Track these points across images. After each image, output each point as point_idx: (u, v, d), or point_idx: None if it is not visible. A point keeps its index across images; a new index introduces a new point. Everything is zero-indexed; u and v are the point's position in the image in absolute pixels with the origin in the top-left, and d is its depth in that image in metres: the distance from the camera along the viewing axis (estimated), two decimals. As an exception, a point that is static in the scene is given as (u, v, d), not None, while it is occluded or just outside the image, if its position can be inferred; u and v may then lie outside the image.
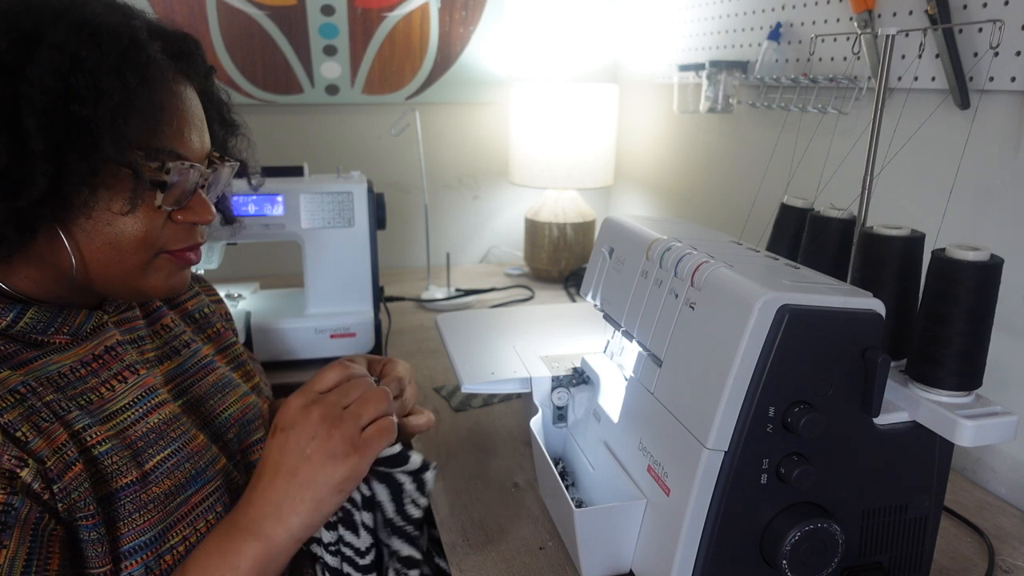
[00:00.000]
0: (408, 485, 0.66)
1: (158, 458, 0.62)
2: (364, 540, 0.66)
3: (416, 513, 0.67)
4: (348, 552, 0.66)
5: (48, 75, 0.52)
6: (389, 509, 0.66)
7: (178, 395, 0.70)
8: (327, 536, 0.66)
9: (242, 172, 0.79)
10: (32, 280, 0.60)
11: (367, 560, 0.67)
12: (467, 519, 0.81)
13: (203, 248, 1.20)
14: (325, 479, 0.59)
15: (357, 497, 0.65)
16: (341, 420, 0.60)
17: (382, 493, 0.66)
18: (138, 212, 0.59)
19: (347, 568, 0.67)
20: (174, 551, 0.60)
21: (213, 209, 0.65)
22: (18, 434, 0.53)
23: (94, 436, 0.58)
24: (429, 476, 0.67)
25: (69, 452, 0.55)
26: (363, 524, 0.66)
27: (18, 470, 0.51)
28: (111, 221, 0.58)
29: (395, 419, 0.64)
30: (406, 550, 0.67)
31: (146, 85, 0.56)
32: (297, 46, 1.65)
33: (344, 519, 0.66)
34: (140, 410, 0.63)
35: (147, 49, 0.57)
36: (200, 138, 0.64)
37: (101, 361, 0.63)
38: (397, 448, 0.65)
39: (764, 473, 0.57)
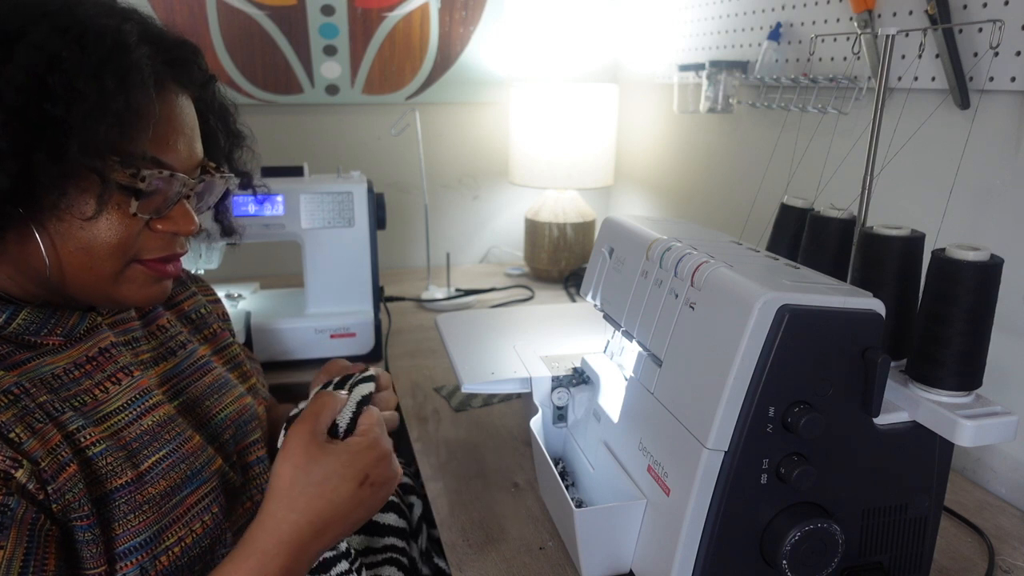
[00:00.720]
0: None
1: (153, 459, 0.61)
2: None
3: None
4: None
5: (22, 73, 0.51)
6: None
7: (174, 396, 0.70)
8: None
9: (246, 184, 0.78)
10: (12, 281, 0.60)
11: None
12: (467, 519, 0.81)
13: (203, 248, 1.22)
14: (353, 527, 0.64)
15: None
16: (388, 496, 0.66)
17: None
18: (112, 218, 0.58)
19: None
20: (169, 552, 0.60)
21: (196, 220, 0.64)
22: (12, 435, 0.52)
23: (88, 437, 0.57)
24: None
25: (63, 453, 0.55)
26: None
27: (12, 471, 0.51)
28: (83, 225, 0.57)
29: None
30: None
31: (124, 89, 0.55)
32: (297, 46, 1.65)
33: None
34: (134, 412, 0.62)
35: (132, 53, 0.56)
36: (189, 147, 0.63)
37: (95, 363, 0.63)
38: None
39: (764, 473, 0.57)
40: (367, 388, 0.71)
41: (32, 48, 0.52)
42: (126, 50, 0.56)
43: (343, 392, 0.70)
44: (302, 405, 0.73)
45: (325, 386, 0.74)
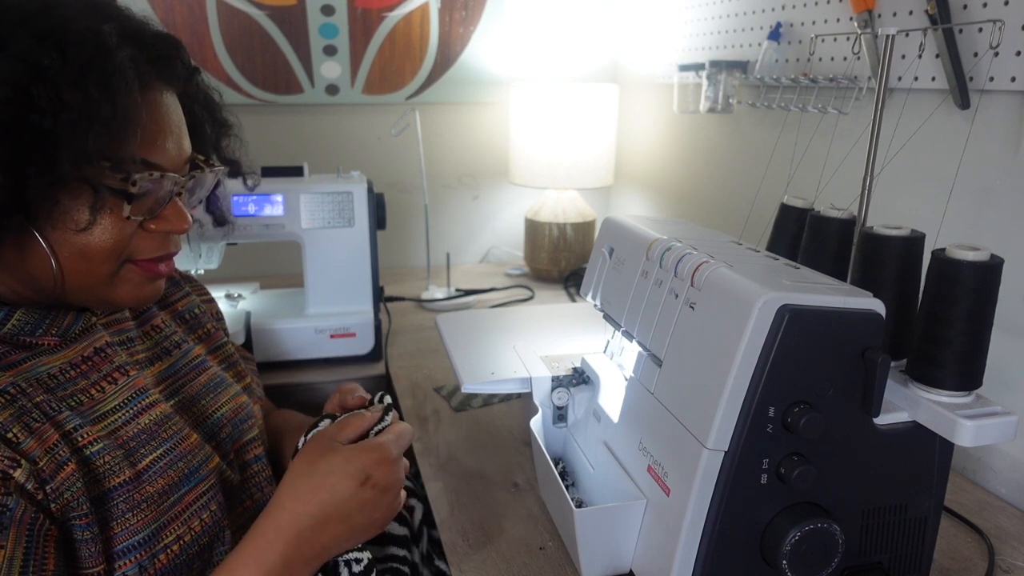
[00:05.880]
0: None
1: (151, 457, 0.62)
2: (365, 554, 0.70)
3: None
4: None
5: (6, 87, 0.51)
6: None
7: (170, 395, 0.70)
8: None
9: (235, 173, 0.77)
10: (7, 287, 0.60)
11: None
12: (467, 519, 0.81)
13: (203, 248, 1.21)
14: (362, 539, 0.65)
15: None
16: (397, 505, 0.66)
17: None
18: (105, 222, 0.58)
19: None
20: (168, 550, 0.60)
21: (189, 217, 0.64)
22: (9, 435, 0.52)
23: (85, 436, 0.57)
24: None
25: (61, 452, 0.55)
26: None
27: (11, 471, 0.51)
28: (78, 231, 0.57)
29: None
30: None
31: (109, 95, 0.54)
32: (297, 46, 1.65)
33: None
34: (131, 411, 0.63)
35: (114, 57, 0.55)
36: (177, 145, 0.62)
37: (91, 363, 0.63)
38: None
39: (764, 473, 0.57)
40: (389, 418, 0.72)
41: (13, 59, 0.51)
42: (108, 53, 0.55)
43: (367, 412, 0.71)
44: (324, 423, 0.71)
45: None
